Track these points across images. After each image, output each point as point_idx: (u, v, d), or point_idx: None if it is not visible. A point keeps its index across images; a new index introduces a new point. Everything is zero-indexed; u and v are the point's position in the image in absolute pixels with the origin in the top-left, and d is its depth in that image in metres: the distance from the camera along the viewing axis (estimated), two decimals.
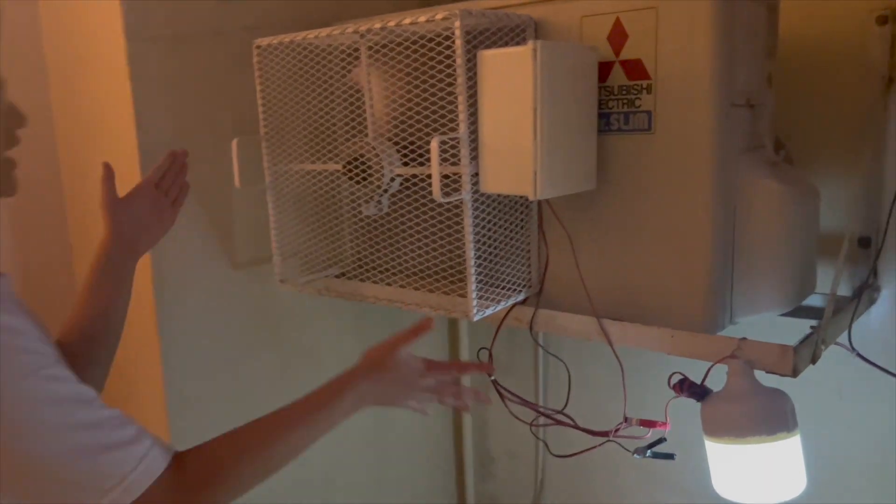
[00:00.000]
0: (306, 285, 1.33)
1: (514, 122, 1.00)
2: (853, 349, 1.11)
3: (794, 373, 0.95)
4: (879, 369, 1.12)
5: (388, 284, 1.29)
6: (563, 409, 1.21)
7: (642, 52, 1.06)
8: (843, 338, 1.15)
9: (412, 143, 1.19)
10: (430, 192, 1.16)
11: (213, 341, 1.41)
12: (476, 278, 1.08)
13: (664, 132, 1.05)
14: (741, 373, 0.97)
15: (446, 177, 1.08)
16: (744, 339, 0.98)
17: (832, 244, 1.23)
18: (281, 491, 1.45)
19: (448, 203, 1.11)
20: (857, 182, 1.29)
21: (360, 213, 1.23)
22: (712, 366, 0.99)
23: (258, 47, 1.28)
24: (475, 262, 1.08)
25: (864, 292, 1.25)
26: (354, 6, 1.47)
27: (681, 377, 1.01)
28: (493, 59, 1.01)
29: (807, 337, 1.02)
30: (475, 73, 1.03)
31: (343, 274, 1.42)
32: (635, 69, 1.07)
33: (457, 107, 1.05)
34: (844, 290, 1.33)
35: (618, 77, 1.09)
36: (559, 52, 0.99)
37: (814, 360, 1.01)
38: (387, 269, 1.32)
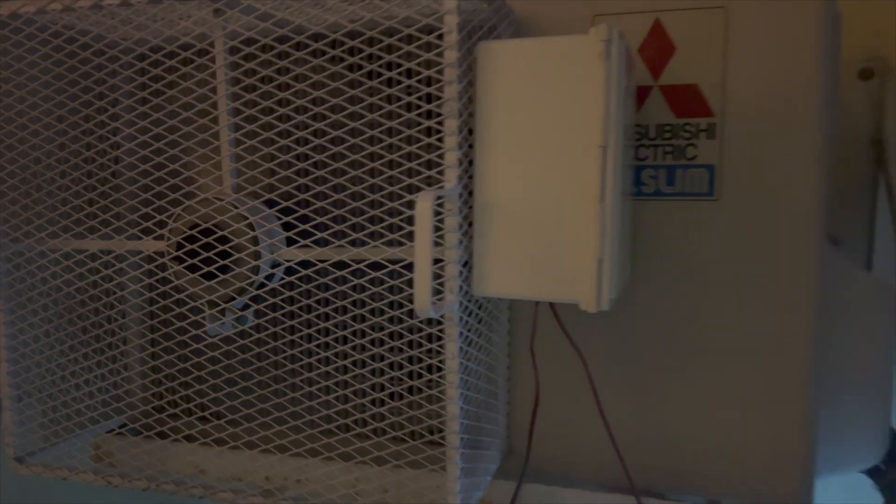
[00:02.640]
0: (73, 468, 0.71)
1: (557, 172, 0.55)
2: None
3: None
4: None
5: (235, 445, 0.73)
6: None
7: (699, 73, 0.68)
8: None
9: (305, 202, 0.67)
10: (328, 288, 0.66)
11: None
12: (462, 447, 0.59)
13: (736, 198, 0.67)
14: None
15: (394, 263, 0.58)
16: None
17: None
18: None
19: (417, 320, 0.62)
20: None
21: (209, 332, 0.67)
22: None
23: None
24: (462, 424, 0.59)
25: None
26: None
27: None
28: (516, 55, 0.56)
29: None
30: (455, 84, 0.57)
31: (124, 426, 0.83)
32: (687, 100, 0.68)
33: (407, 134, 0.57)
34: None
35: (657, 111, 0.69)
36: (623, 51, 0.57)
37: None
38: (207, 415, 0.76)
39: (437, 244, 0.55)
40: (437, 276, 0.55)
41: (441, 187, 0.55)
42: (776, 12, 0.65)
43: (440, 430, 0.71)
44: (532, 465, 0.72)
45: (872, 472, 0.82)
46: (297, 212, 0.66)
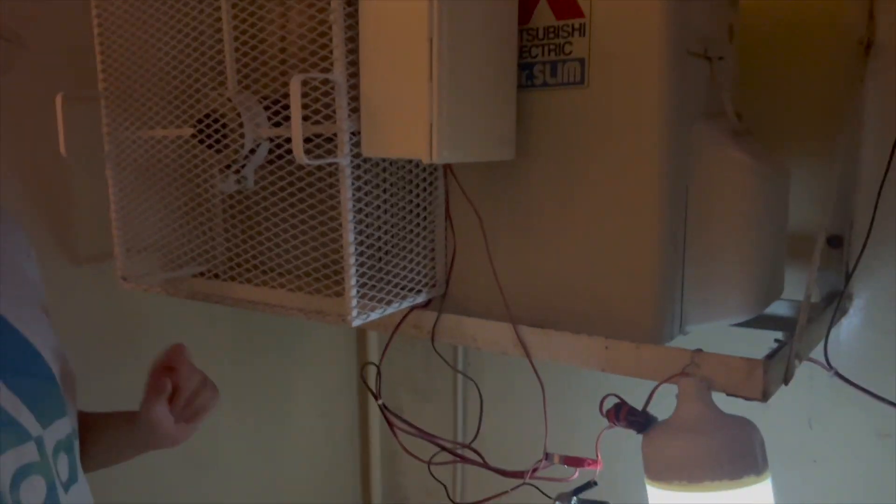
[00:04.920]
0: (152, 284, 1.05)
1: (404, 61, 0.75)
2: (830, 367, 0.89)
3: (764, 396, 0.72)
4: (864, 392, 0.90)
5: (263, 285, 1.02)
6: (472, 442, 0.96)
7: None
8: (816, 353, 0.93)
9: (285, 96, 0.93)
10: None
11: None
12: (357, 270, 0.82)
13: (601, 85, 0.82)
14: (695, 396, 0.73)
15: (317, 137, 0.82)
16: (699, 350, 0.75)
17: (798, 245, 1.01)
18: None
19: (324, 171, 0.85)
20: (827, 169, 1.09)
21: (220, 190, 0.97)
22: (658, 385, 0.75)
23: None
24: (355, 250, 0.82)
25: (837, 299, 1.04)
26: None
27: (616, 401, 0.76)
28: None
29: (777, 350, 0.80)
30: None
31: (213, 273, 1.15)
32: (565, 5, 0.83)
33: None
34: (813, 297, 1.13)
35: (543, 16, 0.85)
36: None
37: (786, 380, 0.78)
38: (264, 268, 1.05)
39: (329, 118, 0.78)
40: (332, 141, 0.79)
41: (328, 72, 0.78)
42: None
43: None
44: (449, 302, 0.93)
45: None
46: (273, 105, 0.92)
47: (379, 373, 0.92)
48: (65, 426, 0.77)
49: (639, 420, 0.75)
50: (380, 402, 0.91)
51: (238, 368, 1.42)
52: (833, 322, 0.90)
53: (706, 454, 0.69)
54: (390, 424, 0.92)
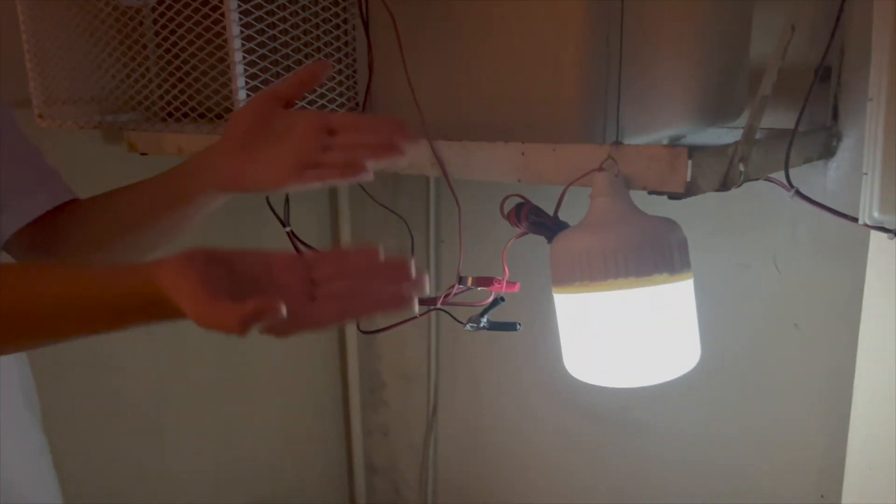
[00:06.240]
0: (66, 120, 0.98)
1: None
2: (791, 186, 0.77)
3: (689, 189, 0.62)
4: (829, 211, 0.78)
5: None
6: None
7: None
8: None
9: None
10: None
11: None
12: (244, 70, 0.74)
13: None
14: (608, 190, 0.63)
15: None
16: (618, 143, 0.65)
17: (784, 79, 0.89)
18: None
19: None
20: None
21: (125, 6, 0.88)
22: (569, 185, 0.65)
23: None
24: (241, 45, 0.73)
25: (821, 132, 0.92)
26: None
27: (520, 201, 0.67)
28: None
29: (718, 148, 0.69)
30: None
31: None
32: None
33: None
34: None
35: None
36: None
37: (726, 185, 0.67)
38: (198, 112, 0.97)
39: None
40: None
41: None
42: None
43: None
44: None
45: None
46: None
47: (287, 200, 0.84)
48: None
49: (545, 223, 0.65)
50: (287, 228, 0.83)
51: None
52: (797, 135, 0.78)
53: (609, 248, 0.59)
54: (298, 252, 0.84)
